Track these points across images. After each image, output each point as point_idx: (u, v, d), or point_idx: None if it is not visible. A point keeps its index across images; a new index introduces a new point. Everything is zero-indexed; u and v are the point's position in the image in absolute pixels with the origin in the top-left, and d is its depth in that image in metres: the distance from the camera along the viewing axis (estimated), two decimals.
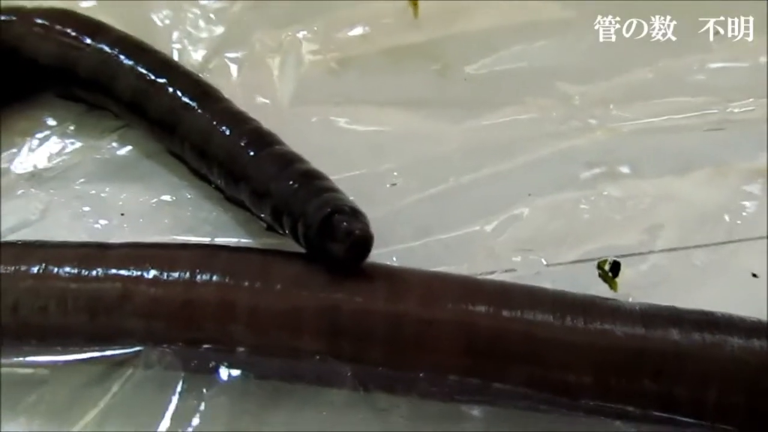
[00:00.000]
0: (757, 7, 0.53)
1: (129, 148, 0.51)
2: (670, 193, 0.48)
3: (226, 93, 0.49)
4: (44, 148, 0.52)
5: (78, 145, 0.52)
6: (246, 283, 0.39)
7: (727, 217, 0.46)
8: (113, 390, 0.38)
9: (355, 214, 0.39)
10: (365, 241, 0.38)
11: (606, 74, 0.52)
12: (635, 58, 0.53)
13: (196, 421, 0.38)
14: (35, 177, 0.50)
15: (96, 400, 0.38)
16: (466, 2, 0.55)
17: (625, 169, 0.49)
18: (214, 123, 0.46)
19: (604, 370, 0.38)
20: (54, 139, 0.52)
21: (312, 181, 0.41)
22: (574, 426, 0.38)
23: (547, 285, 0.43)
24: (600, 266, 0.44)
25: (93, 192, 0.49)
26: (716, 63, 0.52)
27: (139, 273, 0.40)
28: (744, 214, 0.46)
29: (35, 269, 0.40)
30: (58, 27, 0.50)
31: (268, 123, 0.46)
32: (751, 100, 0.50)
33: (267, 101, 0.53)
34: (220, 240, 0.46)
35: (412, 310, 0.38)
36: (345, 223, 0.38)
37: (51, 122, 0.53)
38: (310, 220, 0.39)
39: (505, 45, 0.54)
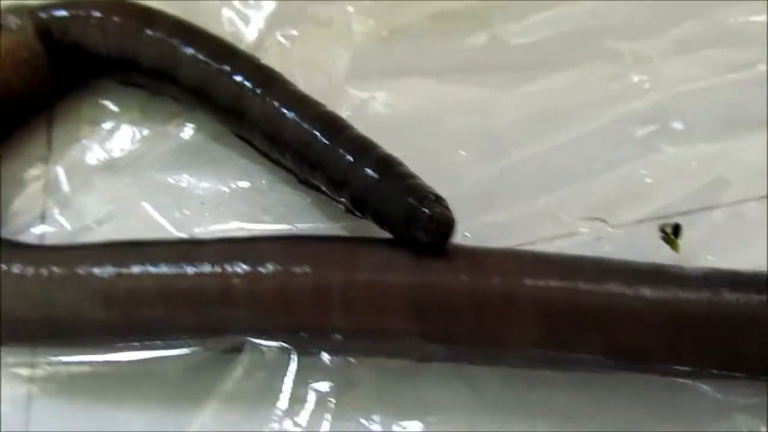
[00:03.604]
0: None
1: (196, 132, 0.53)
2: (725, 148, 0.49)
3: (282, 72, 0.50)
4: (113, 137, 0.53)
5: (145, 132, 0.53)
6: (337, 271, 0.42)
7: None
8: (226, 384, 0.41)
9: (437, 200, 0.41)
10: (449, 227, 0.41)
11: (655, 29, 0.53)
12: (683, 10, 0.53)
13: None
14: (110, 168, 0.52)
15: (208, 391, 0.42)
16: None
17: (678, 126, 0.50)
18: (283, 109, 0.47)
19: (675, 335, 0.40)
20: (121, 127, 0.53)
21: (390, 167, 0.43)
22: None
23: (610, 248, 0.46)
24: (662, 229, 0.46)
25: (169, 180, 0.51)
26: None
27: (235, 268, 0.42)
28: None
29: (137, 269, 0.43)
30: (115, 19, 0.51)
31: (326, 101, 0.48)
32: None
33: (323, 78, 0.53)
34: (300, 225, 0.48)
35: (494, 287, 0.41)
36: (429, 211, 0.40)
37: (115, 110, 0.54)
38: (393, 208, 0.42)
39: (551, 5, 0.54)
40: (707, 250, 0.46)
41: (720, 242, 0.47)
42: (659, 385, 0.43)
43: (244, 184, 0.50)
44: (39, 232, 0.51)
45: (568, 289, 0.41)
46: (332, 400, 0.42)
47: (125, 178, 0.52)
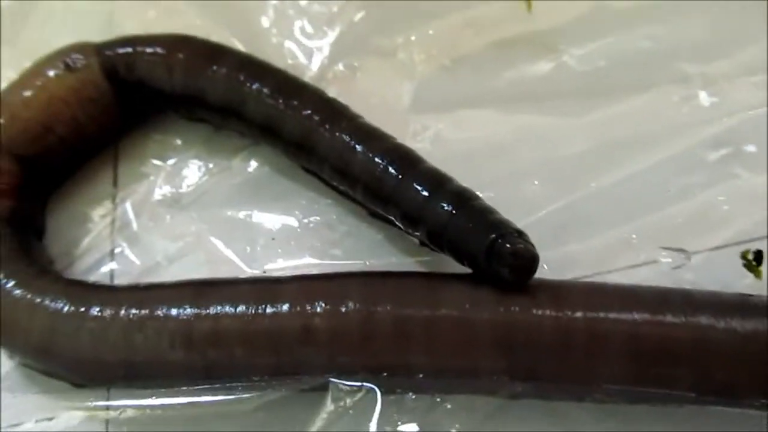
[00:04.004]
0: None
1: (261, 166, 0.53)
2: None
3: (346, 103, 0.50)
4: (179, 172, 0.53)
5: (211, 166, 0.53)
6: (418, 308, 0.41)
7: None
8: (313, 425, 0.41)
9: (520, 235, 0.41)
10: (533, 262, 0.40)
11: (723, 51, 0.52)
12: (747, 33, 0.52)
13: None
14: (177, 204, 0.52)
15: None
16: None
17: (751, 149, 0.50)
18: (353, 144, 0.46)
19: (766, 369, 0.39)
20: (187, 162, 0.53)
21: (468, 202, 0.43)
22: None
23: (690, 276, 0.45)
24: (744, 256, 0.45)
25: (237, 215, 0.51)
26: None
27: (315, 307, 0.42)
28: None
29: (215, 310, 0.42)
30: (180, 55, 0.51)
31: (389, 132, 0.47)
32: None
33: (386, 109, 0.53)
34: (373, 260, 0.47)
35: (579, 322, 0.40)
36: (511, 246, 0.40)
37: (180, 145, 0.54)
38: (474, 243, 0.41)
39: (617, 28, 0.54)
40: None
41: None
42: (750, 417, 0.41)
43: (314, 218, 0.50)
44: (108, 270, 0.50)
45: (656, 322, 0.40)
46: None
47: (193, 214, 0.52)
